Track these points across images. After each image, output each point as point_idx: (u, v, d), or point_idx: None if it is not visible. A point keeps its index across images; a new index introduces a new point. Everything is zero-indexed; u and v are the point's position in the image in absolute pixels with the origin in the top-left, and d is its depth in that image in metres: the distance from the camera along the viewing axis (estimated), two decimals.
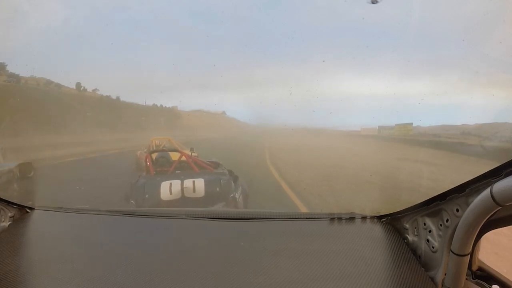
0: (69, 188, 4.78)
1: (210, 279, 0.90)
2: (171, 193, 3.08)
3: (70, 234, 1.21)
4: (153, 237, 1.17)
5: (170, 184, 3.11)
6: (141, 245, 1.11)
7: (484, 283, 0.78)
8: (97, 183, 5.39)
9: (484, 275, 0.80)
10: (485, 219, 0.67)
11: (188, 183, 3.14)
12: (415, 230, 0.99)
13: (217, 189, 3.21)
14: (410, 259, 0.96)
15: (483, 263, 0.81)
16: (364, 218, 1.20)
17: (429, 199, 0.91)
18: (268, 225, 1.23)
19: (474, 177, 0.72)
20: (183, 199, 3.10)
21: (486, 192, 0.63)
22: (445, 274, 0.80)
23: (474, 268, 0.80)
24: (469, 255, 0.74)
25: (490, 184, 0.63)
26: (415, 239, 0.99)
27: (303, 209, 4.34)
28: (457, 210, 0.79)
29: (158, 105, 16.87)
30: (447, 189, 0.82)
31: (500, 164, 0.64)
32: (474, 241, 0.73)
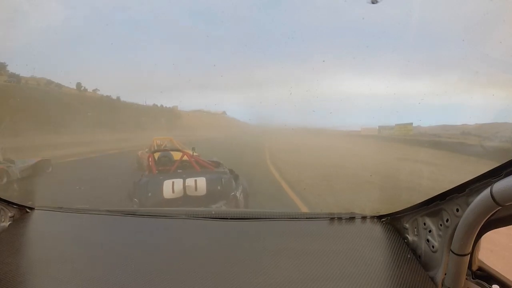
0: (69, 188, 4.78)
1: (210, 279, 0.90)
2: (173, 191, 3.11)
3: (70, 234, 1.21)
4: (153, 237, 1.17)
5: (173, 182, 3.14)
6: (141, 245, 1.11)
7: (484, 283, 0.78)
8: (97, 183, 5.39)
9: (484, 275, 0.80)
10: (485, 219, 0.67)
11: (190, 181, 3.17)
12: (415, 230, 0.99)
13: (219, 187, 3.23)
14: (410, 259, 0.96)
15: (483, 263, 0.81)
16: (364, 218, 1.20)
17: (429, 199, 0.91)
18: (268, 225, 1.23)
19: (474, 177, 0.72)
20: (185, 197, 3.13)
21: (486, 192, 0.63)
22: (445, 274, 0.80)
23: (474, 268, 0.80)
24: (469, 255, 0.74)
25: (490, 184, 0.63)
26: (415, 239, 0.99)
27: (303, 209, 4.34)
28: (457, 210, 0.79)
29: (158, 105, 16.91)
30: (447, 189, 0.82)
31: (500, 164, 0.64)
32: (474, 241, 0.73)
